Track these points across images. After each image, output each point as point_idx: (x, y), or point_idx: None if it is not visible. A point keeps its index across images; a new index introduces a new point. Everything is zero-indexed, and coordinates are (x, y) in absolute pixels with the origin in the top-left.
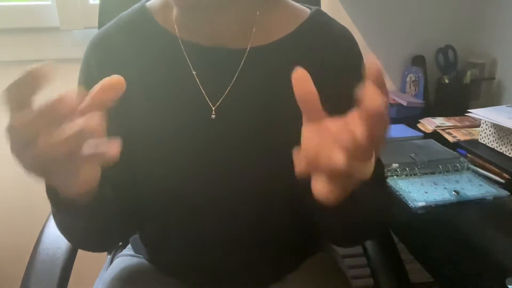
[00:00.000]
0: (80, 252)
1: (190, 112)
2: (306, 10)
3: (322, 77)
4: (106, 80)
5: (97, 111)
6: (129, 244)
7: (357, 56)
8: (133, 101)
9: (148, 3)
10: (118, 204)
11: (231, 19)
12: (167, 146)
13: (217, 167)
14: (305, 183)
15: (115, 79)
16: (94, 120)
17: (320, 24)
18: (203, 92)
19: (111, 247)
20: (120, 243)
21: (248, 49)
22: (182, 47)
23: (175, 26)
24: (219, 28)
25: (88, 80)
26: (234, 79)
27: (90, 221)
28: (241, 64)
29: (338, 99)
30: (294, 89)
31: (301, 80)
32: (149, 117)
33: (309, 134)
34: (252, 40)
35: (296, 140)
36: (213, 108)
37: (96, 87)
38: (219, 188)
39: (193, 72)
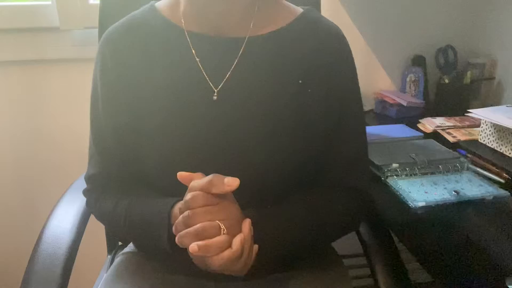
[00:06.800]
0: (80, 252)
1: (194, 94)
2: (300, 9)
3: (312, 72)
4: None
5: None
6: (131, 242)
7: (346, 52)
8: (141, 86)
9: (157, 3)
10: None
11: (234, 11)
12: (172, 126)
13: (219, 146)
14: (302, 165)
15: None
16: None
17: (311, 20)
18: (206, 76)
19: None
20: (120, 243)
21: (246, 38)
22: (187, 37)
23: (182, 20)
24: (222, 19)
25: (103, 69)
26: (234, 64)
27: None
28: (240, 50)
29: (326, 93)
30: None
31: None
32: (156, 99)
33: None
34: (250, 31)
35: (291, 119)
36: (215, 90)
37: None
38: (220, 166)
39: (197, 58)
